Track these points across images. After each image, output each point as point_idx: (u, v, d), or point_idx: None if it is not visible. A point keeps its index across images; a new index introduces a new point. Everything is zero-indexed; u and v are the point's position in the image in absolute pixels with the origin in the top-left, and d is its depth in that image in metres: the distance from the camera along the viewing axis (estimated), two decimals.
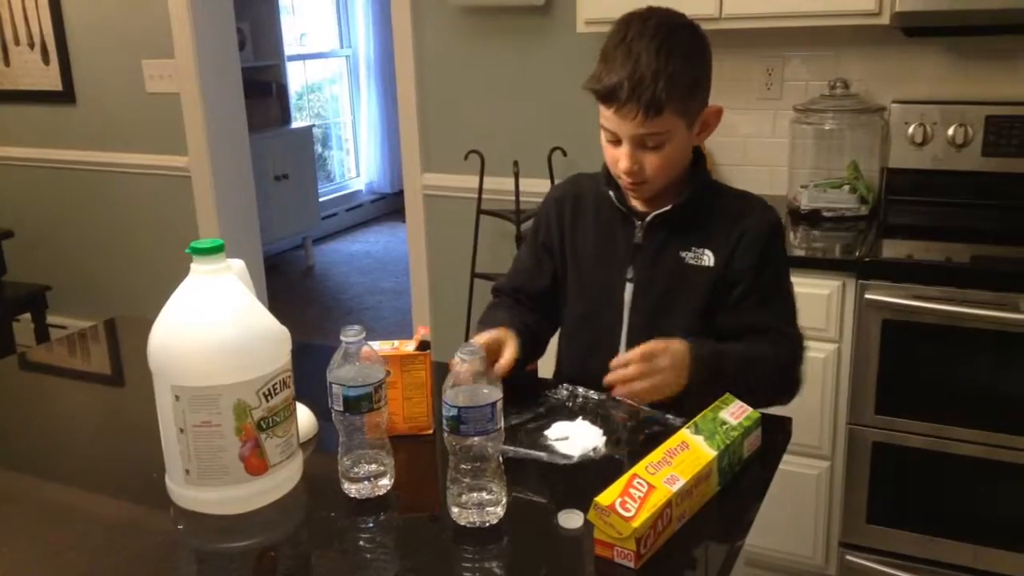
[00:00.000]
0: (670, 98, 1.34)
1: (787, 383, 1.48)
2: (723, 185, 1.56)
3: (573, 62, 2.94)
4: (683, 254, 1.48)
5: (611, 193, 1.51)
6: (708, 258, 1.47)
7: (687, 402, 1.34)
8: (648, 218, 1.49)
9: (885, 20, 2.25)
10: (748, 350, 1.44)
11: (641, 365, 1.33)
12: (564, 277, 1.60)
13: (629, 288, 1.51)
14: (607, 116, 1.40)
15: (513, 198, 2.98)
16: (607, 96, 1.37)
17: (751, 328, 1.45)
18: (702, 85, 1.42)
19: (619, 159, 1.41)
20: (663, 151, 1.40)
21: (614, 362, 1.36)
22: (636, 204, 1.52)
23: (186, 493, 1.16)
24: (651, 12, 1.40)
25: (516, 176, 2.97)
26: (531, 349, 1.58)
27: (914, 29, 2.41)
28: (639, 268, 1.50)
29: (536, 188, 3.01)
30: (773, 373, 1.45)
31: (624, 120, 1.37)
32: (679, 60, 1.34)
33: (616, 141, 1.42)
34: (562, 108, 3.01)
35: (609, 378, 1.35)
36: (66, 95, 3.90)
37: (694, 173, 1.50)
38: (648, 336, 1.46)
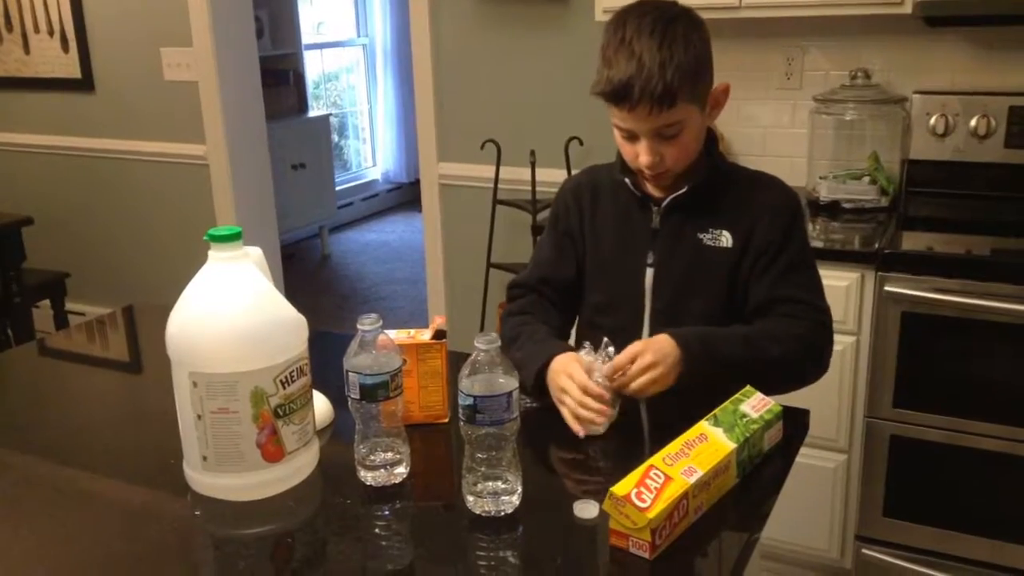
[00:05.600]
0: (680, 87, 1.34)
1: (812, 356, 1.44)
2: (738, 166, 1.56)
3: (591, 51, 2.90)
4: (701, 236, 1.48)
5: (627, 180, 1.52)
6: (726, 239, 1.47)
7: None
8: (665, 202, 1.49)
9: (907, 9, 2.23)
10: (753, 329, 1.42)
11: (629, 372, 1.33)
12: (584, 265, 1.60)
13: (650, 273, 1.51)
14: (620, 116, 1.40)
15: (529, 188, 2.98)
16: (618, 97, 1.37)
17: (779, 299, 1.44)
18: (706, 67, 1.42)
19: (639, 154, 1.42)
20: (680, 139, 1.40)
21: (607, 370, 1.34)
22: (652, 189, 1.52)
23: (203, 479, 1.17)
24: (643, 6, 1.40)
25: (532, 166, 2.96)
26: None
27: (936, 18, 2.38)
28: (658, 253, 1.50)
29: (552, 178, 3.00)
30: (794, 347, 1.41)
31: (639, 118, 1.37)
32: (681, 50, 1.35)
33: (632, 137, 1.42)
34: (579, 98, 2.98)
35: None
36: (85, 83, 3.92)
37: (708, 155, 1.50)
38: (670, 321, 1.46)
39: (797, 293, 1.44)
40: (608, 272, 1.56)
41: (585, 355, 1.36)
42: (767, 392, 1.27)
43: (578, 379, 1.32)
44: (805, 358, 1.44)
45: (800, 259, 1.47)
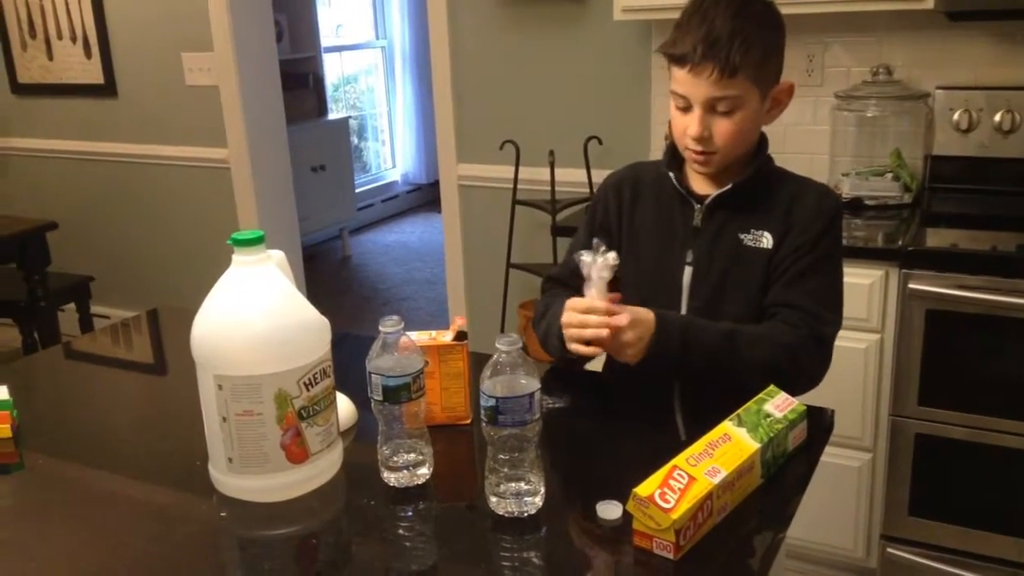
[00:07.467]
0: (744, 61, 1.34)
1: (797, 367, 1.40)
2: (785, 170, 1.53)
3: (609, 51, 2.92)
4: (742, 236, 1.46)
5: (671, 175, 1.50)
6: (767, 240, 1.45)
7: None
8: (708, 200, 1.48)
9: (929, 4, 2.21)
10: (741, 328, 1.40)
11: (605, 345, 1.36)
12: (620, 262, 1.58)
13: (688, 271, 1.49)
14: (680, 80, 1.39)
15: (548, 188, 2.97)
16: (682, 56, 1.36)
17: (784, 303, 1.42)
18: (775, 57, 1.42)
19: (688, 126, 1.40)
20: (734, 118, 1.39)
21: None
22: (696, 187, 1.50)
23: (229, 481, 1.17)
24: None
25: (552, 166, 2.96)
26: None
27: (958, 13, 2.36)
28: (698, 251, 1.49)
29: (571, 178, 3.00)
30: (779, 355, 1.38)
31: (698, 80, 1.36)
32: (755, 26, 1.35)
33: (686, 108, 1.41)
34: (598, 97, 2.99)
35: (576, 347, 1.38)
36: (108, 88, 3.96)
37: (757, 155, 1.48)
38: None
39: (802, 300, 1.42)
40: (645, 269, 1.54)
41: (585, 257, 1.35)
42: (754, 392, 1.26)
43: (574, 306, 1.35)
44: (789, 368, 1.39)
45: (819, 266, 1.44)
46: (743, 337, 1.40)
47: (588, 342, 1.35)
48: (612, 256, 1.33)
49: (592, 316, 1.33)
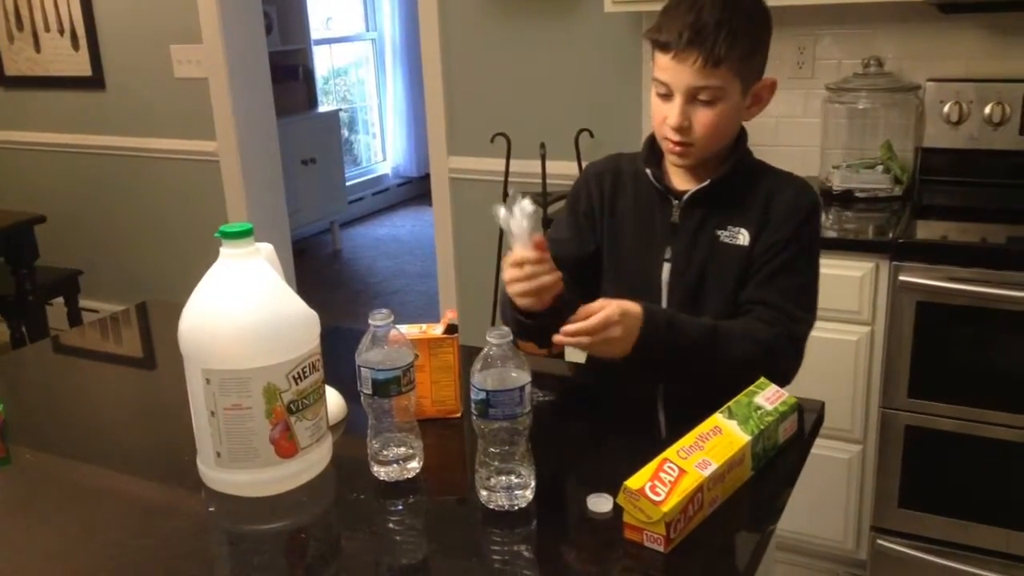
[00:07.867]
0: (730, 52, 1.33)
1: (771, 364, 1.37)
2: (765, 164, 1.52)
3: (600, 43, 2.91)
4: (719, 232, 1.45)
5: (648, 171, 1.49)
6: (743, 236, 1.44)
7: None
8: (685, 196, 1.47)
9: None
10: (722, 324, 1.40)
11: (594, 337, 1.31)
12: (602, 253, 1.57)
13: (667, 268, 1.49)
14: (663, 66, 1.38)
15: (540, 181, 2.96)
16: (667, 42, 1.35)
17: (759, 301, 1.42)
18: (760, 52, 1.41)
19: (668, 115, 1.39)
20: (714, 109, 1.37)
21: (572, 322, 1.32)
22: (674, 182, 1.50)
23: (217, 475, 1.17)
24: None
25: (543, 158, 2.95)
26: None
27: (949, 5, 2.36)
28: (676, 248, 1.48)
29: (563, 170, 2.99)
30: (756, 351, 1.37)
31: (682, 67, 1.35)
32: (742, 19, 1.35)
33: (667, 95, 1.39)
34: (589, 89, 2.98)
35: (561, 337, 1.33)
36: (96, 81, 3.93)
37: (735, 151, 1.47)
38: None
39: (776, 298, 1.41)
40: (625, 265, 1.53)
41: (502, 211, 1.28)
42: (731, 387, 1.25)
43: (509, 263, 1.31)
44: (765, 364, 1.37)
45: (794, 264, 1.43)
46: (724, 332, 1.39)
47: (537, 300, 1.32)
48: (528, 204, 1.27)
49: (533, 267, 1.29)
